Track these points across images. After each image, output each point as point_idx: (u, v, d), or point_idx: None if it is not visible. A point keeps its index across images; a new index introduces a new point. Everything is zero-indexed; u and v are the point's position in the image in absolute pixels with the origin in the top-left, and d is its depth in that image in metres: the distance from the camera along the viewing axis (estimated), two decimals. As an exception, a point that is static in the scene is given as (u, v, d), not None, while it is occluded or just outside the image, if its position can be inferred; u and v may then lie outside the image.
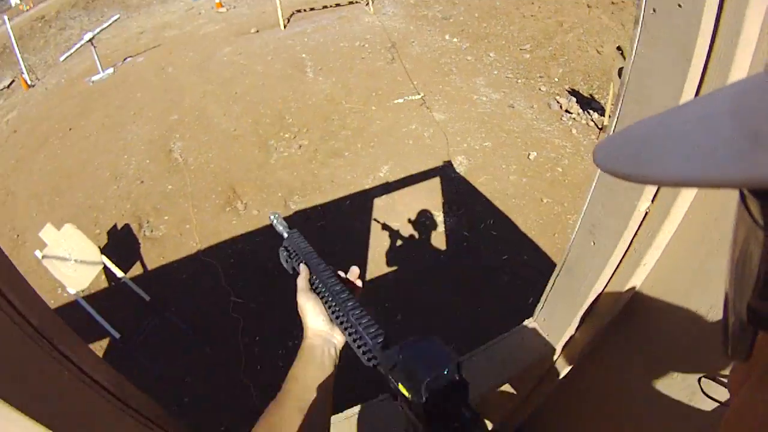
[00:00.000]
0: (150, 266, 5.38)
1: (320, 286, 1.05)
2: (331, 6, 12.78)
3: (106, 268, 4.57)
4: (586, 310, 1.44)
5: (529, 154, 6.21)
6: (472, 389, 0.77)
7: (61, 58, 11.02)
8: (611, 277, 1.34)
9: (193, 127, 7.77)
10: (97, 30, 10.84)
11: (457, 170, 6.06)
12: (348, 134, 7.05)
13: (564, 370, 1.72)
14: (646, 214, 1.13)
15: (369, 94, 7.97)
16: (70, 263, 4.19)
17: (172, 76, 9.86)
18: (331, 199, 5.87)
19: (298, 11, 12.62)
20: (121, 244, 5.70)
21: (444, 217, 5.43)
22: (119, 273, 4.61)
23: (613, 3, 9.83)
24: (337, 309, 0.98)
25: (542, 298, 1.66)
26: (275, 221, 1.29)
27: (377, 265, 4.94)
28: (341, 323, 0.97)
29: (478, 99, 7.66)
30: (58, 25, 17.33)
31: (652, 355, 1.34)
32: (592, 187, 1.24)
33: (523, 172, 5.97)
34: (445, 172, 6.05)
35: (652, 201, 1.10)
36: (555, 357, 1.69)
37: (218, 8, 14.87)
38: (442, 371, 0.74)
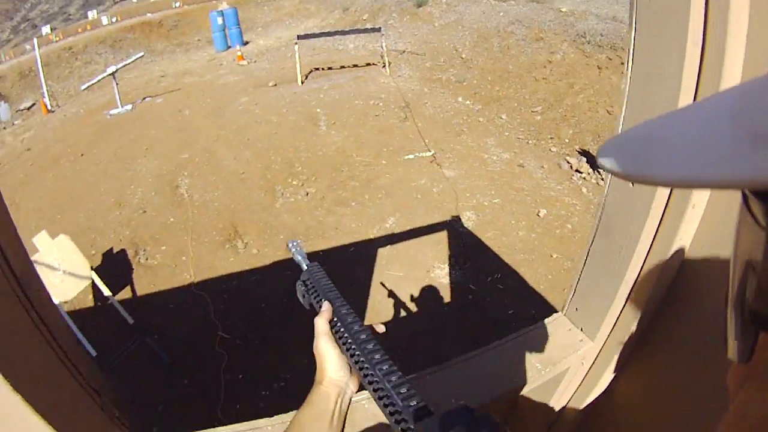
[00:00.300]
0: (140, 292, 5.23)
1: (342, 330, 0.94)
2: (348, 66, 13.24)
3: (94, 287, 4.45)
4: (631, 286, 1.30)
5: (538, 212, 6.19)
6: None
7: (83, 87, 11.27)
8: (657, 232, 1.20)
9: (202, 166, 7.80)
10: (121, 64, 11.16)
11: (465, 225, 6.01)
12: (356, 185, 7.05)
13: (605, 367, 1.50)
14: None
15: (380, 149, 8.03)
16: (58, 273, 4.08)
17: (188, 118, 10.05)
18: (334, 246, 5.77)
19: (317, 69, 13.05)
20: (113, 267, 5.59)
21: (449, 269, 5.31)
22: (107, 292, 4.46)
23: (622, 64, 9.86)
24: (362, 360, 0.87)
25: (572, 285, 1.50)
26: (294, 250, 1.16)
27: (377, 314, 4.76)
28: (365, 376, 0.86)
29: (488, 158, 7.73)
30: (84, 59, 17.93)
31: (703, 347, 1.19)
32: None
33: (532, 228, 5.92)
34: (453, 226, 5.97)
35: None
36: (590, 353, 1.49)
37: (239, 61, 15.42)
38: None
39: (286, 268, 5.31)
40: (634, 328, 1.35)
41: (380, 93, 10.67)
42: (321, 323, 0.94)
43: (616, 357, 1.44)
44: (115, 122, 9.94)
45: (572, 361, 1.47)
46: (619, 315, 1.39)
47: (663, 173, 0.23)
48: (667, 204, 1.16)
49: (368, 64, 13.35)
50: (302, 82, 11.77)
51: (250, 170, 7.56)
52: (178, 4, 29.16)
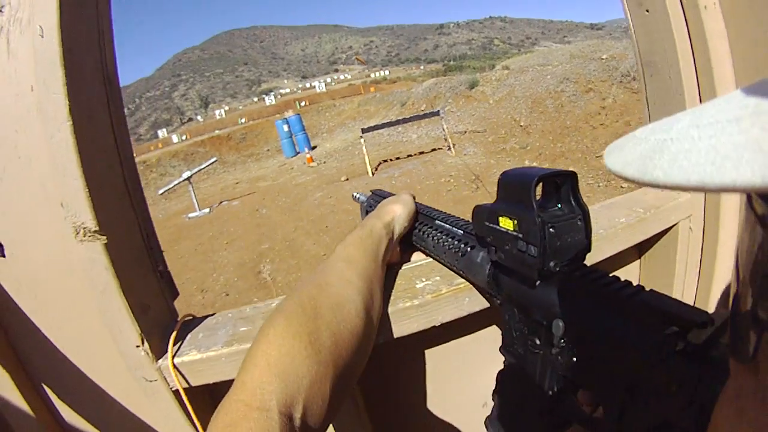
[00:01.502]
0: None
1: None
2: (415, 154, 13.39)
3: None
4: None
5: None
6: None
7: (160, 191, 11.76)
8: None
9: (283, 253, 7.77)
10: (196, 169, 11.65)
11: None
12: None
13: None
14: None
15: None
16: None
17: (265, 216, 10.26)
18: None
19: (385, 161, 13.27)
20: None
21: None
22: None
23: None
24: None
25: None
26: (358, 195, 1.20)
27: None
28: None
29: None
30: (159, 171, 19.05)
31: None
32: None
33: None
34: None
35: None
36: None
37: (309, 163, 15.95)
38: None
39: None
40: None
41: (449, 171, 10.68)
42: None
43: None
44: (194, 223, 10.23)
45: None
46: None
47: (664, 177, 0.23)
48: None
49: (434, 150, 13.52)
50: (373, 173, 11.93)
51: (330, 251, 7.45)
52: (243, 120, 31.18)
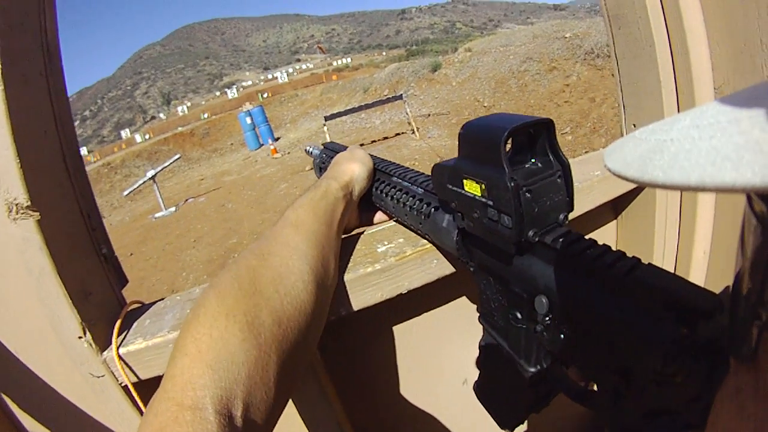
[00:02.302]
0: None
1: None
2: (379, 140, 13.40)
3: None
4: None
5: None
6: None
7: (125, 193, 11.57)
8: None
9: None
10: (159, 168, 11.46)
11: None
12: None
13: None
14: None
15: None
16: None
17: (231, 210, 10.15)
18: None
19: (349, 147, 13.17)
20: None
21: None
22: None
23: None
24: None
25: None
26: (310, 148, 1.12)
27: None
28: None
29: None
30: (123, 172, 18.69)
31: None
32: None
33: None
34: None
35: None
36: None
37: (273, 154, 15.81)
38: None
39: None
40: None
41: (414, 155, 10.70)
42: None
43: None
44: (161, 223, 10.08)
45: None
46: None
47: (663, 177, 0.23)
48: None
49: (398, 134, 13.51)
50: (337, 161, 11.86)
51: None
52: (206, 115, 30.71)
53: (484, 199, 0.49)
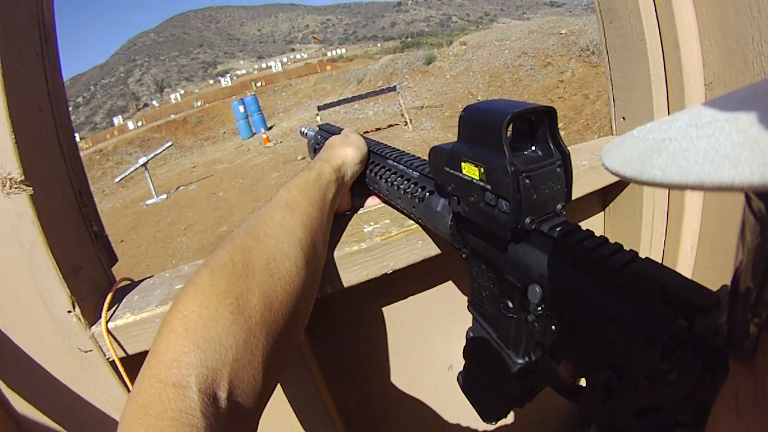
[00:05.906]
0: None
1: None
2: (372, 131, 13.31)
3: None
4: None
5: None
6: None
7: (116, 179, 11.51)
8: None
9: (243, 234, 7.72)
10: (151, 155, 11.40)
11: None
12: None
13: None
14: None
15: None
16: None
17: (222, 199, 10.12)
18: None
19: (342, 138, 13.15)
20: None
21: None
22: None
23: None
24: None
25: None
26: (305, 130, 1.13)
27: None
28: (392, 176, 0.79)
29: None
30: (115, 159, 18.60)
31: None
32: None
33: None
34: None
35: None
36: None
37: (266, 143, 15.75)
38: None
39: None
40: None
41: (406, 147, 10.51)
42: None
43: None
44: (152, 210, 10.06)
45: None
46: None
47: (662, 176, 0.23)
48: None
49: (391, 125, 13.49)
50: (329, 150, 11.85)
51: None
52: (199, 103, 30.53)
53: (482, 183, 0.49)
